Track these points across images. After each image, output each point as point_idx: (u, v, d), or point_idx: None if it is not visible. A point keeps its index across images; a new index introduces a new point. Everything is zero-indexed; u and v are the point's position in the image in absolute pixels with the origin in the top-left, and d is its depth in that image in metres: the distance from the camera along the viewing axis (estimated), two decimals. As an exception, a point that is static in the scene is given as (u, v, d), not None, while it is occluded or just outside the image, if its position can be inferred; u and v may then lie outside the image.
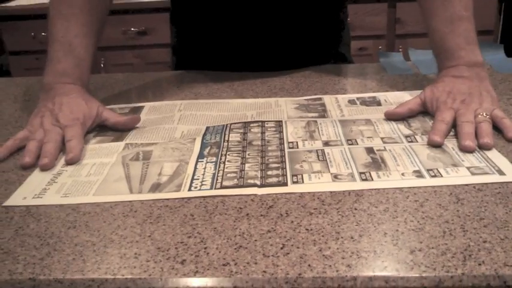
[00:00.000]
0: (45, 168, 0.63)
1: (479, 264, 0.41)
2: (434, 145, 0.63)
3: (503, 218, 0.47)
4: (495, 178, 0.55)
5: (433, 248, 0.43)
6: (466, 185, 0.54)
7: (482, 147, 0.62)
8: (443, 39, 0.76)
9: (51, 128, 0.69)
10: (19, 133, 0.70)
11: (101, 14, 0.82)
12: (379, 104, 0.78)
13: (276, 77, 0.93)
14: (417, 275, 0.40)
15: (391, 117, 0.72)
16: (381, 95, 0.82)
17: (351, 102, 0.80)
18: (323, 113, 0.76)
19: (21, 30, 2.36)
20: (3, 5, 2.46)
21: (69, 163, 0.64)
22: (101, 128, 0.75)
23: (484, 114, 0.66)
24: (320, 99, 0.82)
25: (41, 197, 0.56)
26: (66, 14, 0.76)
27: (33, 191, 0.58)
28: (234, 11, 0.96)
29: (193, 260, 0.43)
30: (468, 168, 0.57)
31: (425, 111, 0.73)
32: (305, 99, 0.82)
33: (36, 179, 0.61)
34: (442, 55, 0.77)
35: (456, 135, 0.65)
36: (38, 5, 2.37)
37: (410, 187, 0.53)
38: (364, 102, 0.79)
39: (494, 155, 0.60)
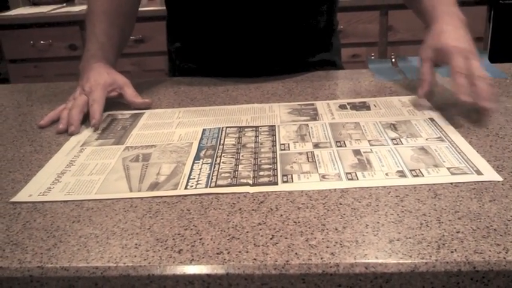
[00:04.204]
0: (73, 134, 0.78)
1: (452, 252, 0.44)
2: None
3: (476, 211, 0.51)
4: (473, 178, 0.58)
5: (410, 238, 0.47)
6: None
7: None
8: None
9: (78, 96, 0.85)
10: (59, 107, 0.86)
11: (122, 11, 0.99)
12: (368, 108, 0.82)
13: (269, 83, 0.97)
14: (395, 261, 0.44)
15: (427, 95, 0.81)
16: (370, 100, 0.86)
17: (342, 107, 0.83)
18: (315, 116, 0.80)
19: (21, 38, 2.40)
20: (2, 13, 2.50)
21: (94, 127, 0.80)
22: (102, 132, 0.78)
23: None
24: (312, 104, 0.85)
25: (46, 195, 0.60)
26: (92, 19, 0.96)
27: (39, 189, 0.61)
28: (227, 20, 0.99)
29: (190, 250, 0.47)
30: (448, 168, 0.61)
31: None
32: (298, 104, 0.85)
33: (42, 178, 0.64)
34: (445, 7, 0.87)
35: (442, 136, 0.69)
36: (37, 14, 2.41)
37: (392, 185, 0.57)
38: (354, 107, 0.83)
39: (473, 155, 0.63)
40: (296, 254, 0.45)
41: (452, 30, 0.82)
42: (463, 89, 0.73)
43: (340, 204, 0.53)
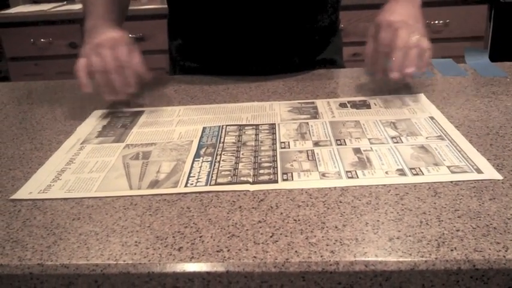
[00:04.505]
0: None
1: (452, 250, 0.44)
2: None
3: (476, 209, 0.51)
4: (473, 176, 0.58)
5: (410, 236, 0.47)
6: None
7: None
8: None
9: (102, 50, 0.80)
10: (80, 64, 0.80)
11: None
12: (368, 107, 0.82)
13: (269, 81, 0.97)
14: (394, 259, 0.44)
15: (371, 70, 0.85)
16: (370, 99, 0.86)
17: (342, 105, 0.83)
18: (315, 115, 0.80)
19: (21, 36, 2.40)
20: (2, 11, 2.50)
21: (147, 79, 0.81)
22: (102, 130, 0.78)
23: None
24: (313, 102, 0.85)
25: (46, 193, 0.60)
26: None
27: (39, 187, 0.61)
28: (229, 17, 0.99)
29: (190, 247, 0.47)
30: (448, 167, 0.61)
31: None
32: (298, 103, 0.85)
33: (42, 176, 0.64)
34: None
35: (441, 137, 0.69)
36: (38, 12, 2.41)
37: (392, 184, 0.57)
38: (355, 106, 0.83)
39: (473, 154, 0.63)
40: (296, 252, 0.45)
41: (394, 7, 0.82)
42: (377, 65, 0.77)
43: (340, 202, 0.53)
